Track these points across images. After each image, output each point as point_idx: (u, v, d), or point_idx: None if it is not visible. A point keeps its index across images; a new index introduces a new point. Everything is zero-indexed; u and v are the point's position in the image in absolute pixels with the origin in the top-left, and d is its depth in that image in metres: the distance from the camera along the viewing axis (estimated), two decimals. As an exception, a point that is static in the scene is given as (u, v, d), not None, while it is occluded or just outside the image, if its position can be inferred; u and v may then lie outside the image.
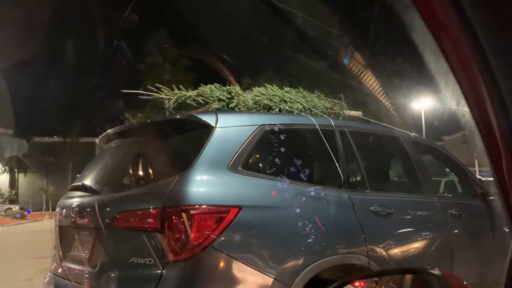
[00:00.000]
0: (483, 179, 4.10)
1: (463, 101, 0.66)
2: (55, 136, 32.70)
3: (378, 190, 3.04)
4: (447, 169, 4.56)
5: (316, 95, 3.59)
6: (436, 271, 0.94)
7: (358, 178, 3.07)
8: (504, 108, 0.60)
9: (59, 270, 2.80)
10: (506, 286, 0.72)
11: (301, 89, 3.56)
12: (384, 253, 2.61)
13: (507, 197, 0.65)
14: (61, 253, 2.85)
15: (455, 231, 3.19)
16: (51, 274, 2.89)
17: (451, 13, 0.60)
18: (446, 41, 0.64)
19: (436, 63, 0.67)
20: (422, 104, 22.19)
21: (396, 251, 2.72)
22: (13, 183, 32.44)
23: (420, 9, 0.63)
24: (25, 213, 25.66)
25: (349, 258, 2.43)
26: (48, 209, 31.72)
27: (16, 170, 32.41)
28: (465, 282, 0.89)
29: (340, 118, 3.55)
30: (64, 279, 2.68)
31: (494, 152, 0.64)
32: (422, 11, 0.63)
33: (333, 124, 2.91)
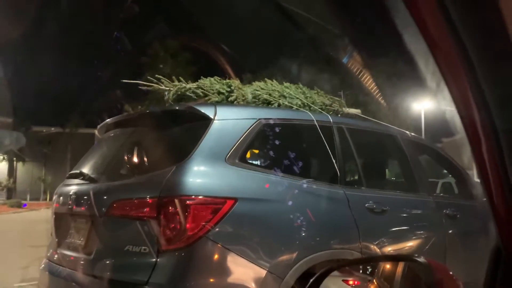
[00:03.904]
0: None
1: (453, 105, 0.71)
2: (52, 129, 32.64)
3: (374, 187, 3.05)
4: (445, 171, 4.58)
5: (316, 91, 3.59)
6: (421, 259, 0.96)
7: (354, 175, 3.09)
8: (488, 110, 0.65)
9: (55, 257, 2.82)
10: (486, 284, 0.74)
11: (301, 85, 3.56)
12: (377, 250, 2.64)
13: (491, 196, 0.67)
14: (57, 240, 2.87)
15: (449, 231, 3.21)
16: (47, 261, 2.91)
17: (443, 27, 0.64)
18: (438, 52, 0.68)
19: (429, 69, 0.71)
20: (422, 106, 22.21)
21: (389, 248, 2.74)
22: (11, 172, 32.42)
23: (414, 20, 0.67)
24: (22, 205, 25.70)
25: (343, 253, 2.45)
26: (46, 199, 31.72)
27: (14, 159, 32.39)
28: (450, 272, 0.91)
29: (339, 115, 3.56)
30: (60, 265, 2.70)
31: (478, 150, 0.68)
32: (416, 22, 0.67)
33: (331, 120, 2.92)
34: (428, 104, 22.01)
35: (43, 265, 2.94)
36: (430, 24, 0.67)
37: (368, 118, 3.88)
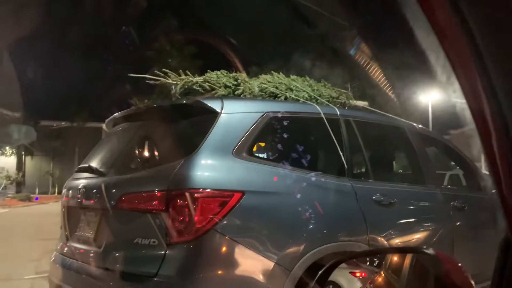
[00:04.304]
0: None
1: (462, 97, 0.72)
2: (63, 123, 32.89)
3: (381, 179, 3.05)
4: (452, 163, 4.56)
5: (323, 84, 3.58)
6: (430, 251, 0.96)
7: (362, 167, 3.09)
8: (497, 101, 0.65)
9: (65, 250, 2.85)
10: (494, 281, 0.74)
11: (308, 78, 3.55)
12: (385, 242, 2.64)
13: (500, 187, 0.68)
14: (67, 233, 2.91)
15: (457, 223, 3.20)
16: (57, 254, 2.95)
17: (452, 17, 0.64)
18: (447, 42, 0.68)
19: (439, 62, 0.71)
20: (429, 97, 22.06)
21: (396, 240, 2.74)
22: (20, 166, 32.73)
23: (423, 10, 0.67)
24: (33, 199, 25.99)
25: (350, 245, 2.46)
26: (54, 193, 32.04)
27: (23, 153, 32.69)
28: (459, 264, 0.91)
29: (346, 108, 3.55)
30: (70, 258, 2.74)
31: (487, 141, 0.68)
32: (425, 12, 0.67)
33: (338, 113, 2.91)
34: (435, 96, 21.86)
35: (53, 258, 2.98)
36: (439, 15, 0.67)
37: (375, 110, 3.86)
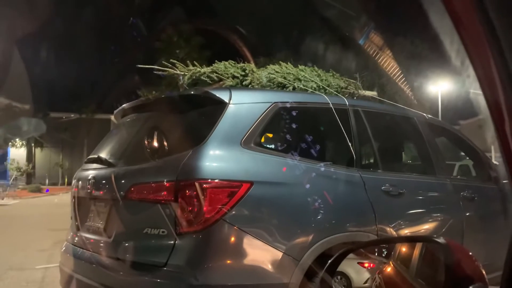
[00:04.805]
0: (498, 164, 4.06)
1: (477, 87, 0.71)
2: (72, 115, 33.11)
3: (390, 170, 3.03)
4: (462, 153, 4.52)
5: (331, 74, 3.55)
6: (440, 240, 0.96)
7: (370, 158, 3.07)
8: None
9: (76, 240, 2.89)
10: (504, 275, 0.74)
11: (316, 68, 3.53)
12: (393, 232, 2.63)
13: None
14: (77, 223, 2.94)
15: (467, 213, 3.18)
16: (68, 244, 2.99)
17: (470, 5, 0.63)
18: (464, 29, 0.67)
19: (454, 47, 0.70)
20: (439, 87, 21.83)
21: (405, 231, 2.74)
22: (30, 158, 33.05)
23: None
24: (44, 190, 26.31)
25: (359, 236, 2.46)
26: (64, 184, 32.35)
27: (33, 144, 32.99)
28: (470, 253, 0.91)
29: (355, 98, 3.52)
30: (80, 248, 2.77)
31: (501, 131, 0.67)
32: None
33: (347, 103, 2.90)
34: (445, 86, 21.62)
35: (64, 248, 3.02)
36: (456, 1, 0.66)
37: (384, 100, 3.83)
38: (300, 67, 3.44)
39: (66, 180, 32.03)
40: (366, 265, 2.88)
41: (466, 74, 0.70)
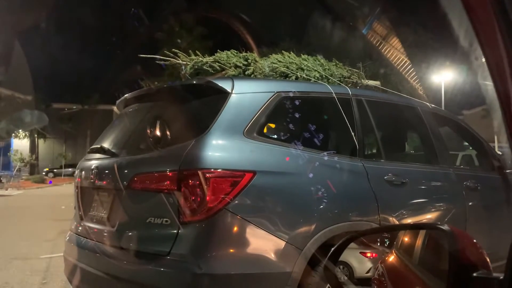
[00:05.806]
0: (501, 153, 4.04)
1: (484, 75, 0.70)
2: (74, 106, 33.16)
3: (393, 159, 3.03)
4: (465, 143, 4.50)
5: (334, 63, 3.53)
6: (445, 227, 0.95)
7: (373, 147, 3.06)
8: None
9: (79, 229, 2.90)
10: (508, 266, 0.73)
11: (319, 57, 3.51)
12: (396, 222, 2.63)
13: None
14: (81, 213, 2.95)
15: (470, 203, 3.18)
16: (72, 233, 3.00)
17: None
18: (476, 18, 0.66)
19: (462, 28, 0.69)
20: (442, 77, 21.70)
21: (408, 220, 2.74)
22: (33, 149, 33.17)
23: None
24: (47, 182, 26.44)
25: (362, 225, 2.46)
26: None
27: (36, 135, 33.09)
28: (474, 240, 0.91)
29: (358, 87, 3.51)
30: (84, 237, 2.79)
31: (510, 122, 0.66)
32: None
33: (350, 92, 2.88)
34: (448, 76, 21.49)
35: (68, 237, 3.03)
36: None
37: (388, 90, 3.81)
38: (303, 56, 3.43)
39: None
40: (369, 255, 2.89)
41: (474, 56, 0.69)
